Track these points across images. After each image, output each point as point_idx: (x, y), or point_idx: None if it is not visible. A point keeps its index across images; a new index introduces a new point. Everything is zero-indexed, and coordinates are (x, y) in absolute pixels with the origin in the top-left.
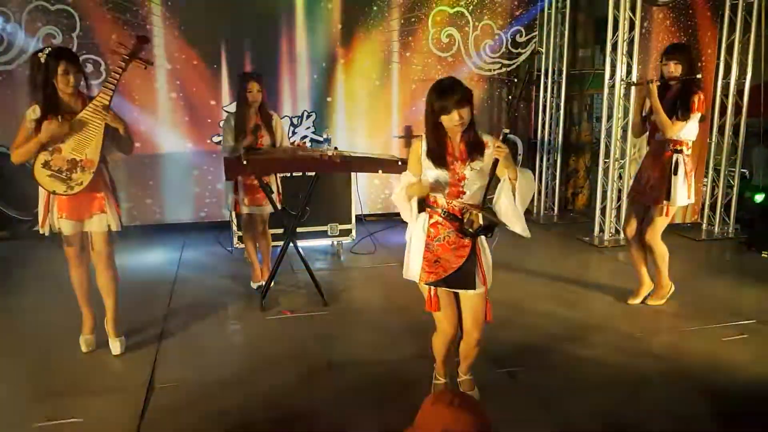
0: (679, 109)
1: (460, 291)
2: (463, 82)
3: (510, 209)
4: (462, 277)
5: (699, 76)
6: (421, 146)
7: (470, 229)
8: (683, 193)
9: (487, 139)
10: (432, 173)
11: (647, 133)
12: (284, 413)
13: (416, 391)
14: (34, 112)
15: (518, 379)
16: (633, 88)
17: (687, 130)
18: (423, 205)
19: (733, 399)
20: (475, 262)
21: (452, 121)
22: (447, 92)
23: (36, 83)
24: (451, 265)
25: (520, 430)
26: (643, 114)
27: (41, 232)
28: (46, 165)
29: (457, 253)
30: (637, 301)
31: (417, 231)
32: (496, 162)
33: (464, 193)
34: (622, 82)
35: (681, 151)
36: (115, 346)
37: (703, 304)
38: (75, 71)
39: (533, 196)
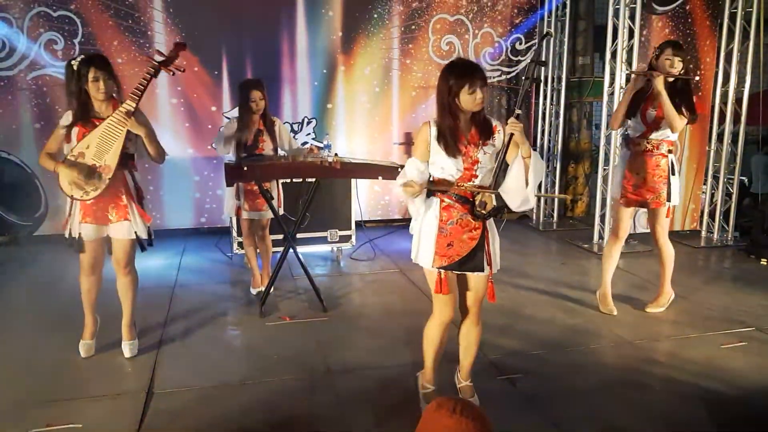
0: (685, 107)
1: (468, 273)
2: None
3: (517, 185)
4: (472, 260)
5: (697, 78)
6: (429, 131)
7: (483, 211)
8: (677, 192)
9: (495, 122)
10: (443, 159)
11: (634, 131)
12: (284, 419)
13: (416, 397)
14: (66, 118)
15: (518, 386)
16: (631, 76)
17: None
18: (432, 188)
19: (731, 406)
20: (484, 244)
21: (475, 100)
22: (471, 70)
23: (71, 90)
24: (464, 248)
25: None
26: (628, 109)
27: (65, 235)
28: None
29: (469, 236)
30: (610, 309)
31: (429, 216)
32: (509, 140)
33: (476, 176)
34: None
35: (672, 152)
36: (127, 349)
37: (702, 311)
38: (105, 78)
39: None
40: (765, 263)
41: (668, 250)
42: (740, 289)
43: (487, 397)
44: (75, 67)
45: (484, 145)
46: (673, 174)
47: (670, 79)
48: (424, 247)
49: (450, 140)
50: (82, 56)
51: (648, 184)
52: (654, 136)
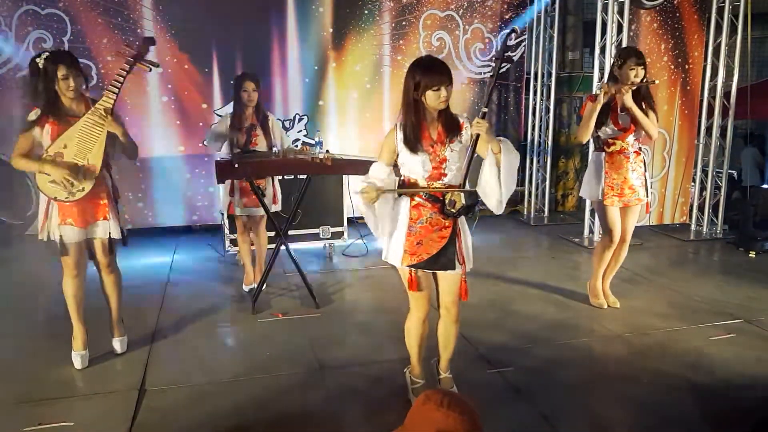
0: (651, 109)
1: (439, 272)
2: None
3: (492, 183)
4: (442, 259)
5: (657, 81)
6: (396, 134)
7: (452, 210)
8: (647, 187)
9: (462, 119)
10: (411, 159)
11: (606, 134)
12: (276, 416)
13: (407, 392)
14: (35, 114)
15: (508, 379)
16: (596, 90)
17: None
18: (402, 187)
19: (720, 398)
20: (455, 243)
21: (439, 97)
22: (436, 68)
23: (37, 89)
24: (433, 247)
25: (509, 430)
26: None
27: (39, 237)
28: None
29: (439, 234)
30: (606, 303)
31: (399, 215)
32: (476, 140)
33: (445, 175)
34: (599, 84)
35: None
36: (118, 345)
37: (691, 303)
38: (75, 75)
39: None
40: (753, 256)
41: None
42: (729, 282)
43: (476, 390)
44: (41, 65)
45: (451, 142)
46: (646, 171)
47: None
48: (393, 245)
49: (412, 138)
50: (47, 53)
51: (629, 183)
52: (630, 138)
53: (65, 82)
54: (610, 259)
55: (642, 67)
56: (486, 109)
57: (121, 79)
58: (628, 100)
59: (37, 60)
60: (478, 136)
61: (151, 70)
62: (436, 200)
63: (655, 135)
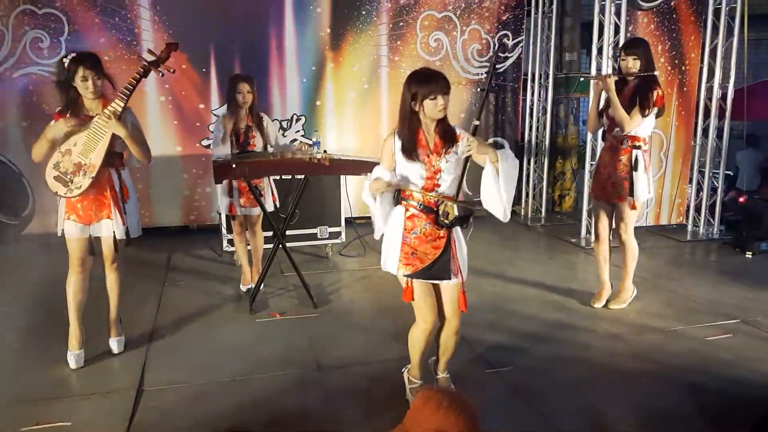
0: (638, 104)
1: (436, 282)
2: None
3: (493, 192)
4: (438, 269)
5: (656, 72)
6: (393, 141)
7: (446, 221)
8: (644, 187)
9: (459, 131)
10: (407, 168)
11: (603, 128)
12: (274, 416)
13: (405, 392)
14: (58, 110)
15: (506, 379)
16: (591, 82)
17: (644, 126)
18: (398, 198)
19: (717, 398)
20: (450, 254)
21: (437, 107)
22: (433, 77)
23: (61, 87)
24: (428, 257)
25: (508, 429)
26: (599, 109)
27: (58, 233)
28: (56, 166)
29: (433, 245)
30: (601, 304)
31: (394, 224)
32: (466, 160)
33: (439, 185)
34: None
35: (639, 147)
36: (115, 345)
37: (687, 304)
38: (95, 77)
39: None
40: (750, 256)
41: (631, 246)
42: (725, 282)
43: (475, 390)
44: (66, 64)
45: (446, 153)
46: (636, 170)
47: (630, 77)
48: (390, 254)
49: (409, 147)
50: (74, 54)
51: (612, 179)
52: (617, 132)
53: (84, 84)
54: (622, 258)
55: (633, 57)
56: (477, 123)
57: (134, 83)
58: (608, 86)
59: (64, 59)
60: (468, 157)
61: (162, 75)
62: (431, 211)
63: (626, 128)
